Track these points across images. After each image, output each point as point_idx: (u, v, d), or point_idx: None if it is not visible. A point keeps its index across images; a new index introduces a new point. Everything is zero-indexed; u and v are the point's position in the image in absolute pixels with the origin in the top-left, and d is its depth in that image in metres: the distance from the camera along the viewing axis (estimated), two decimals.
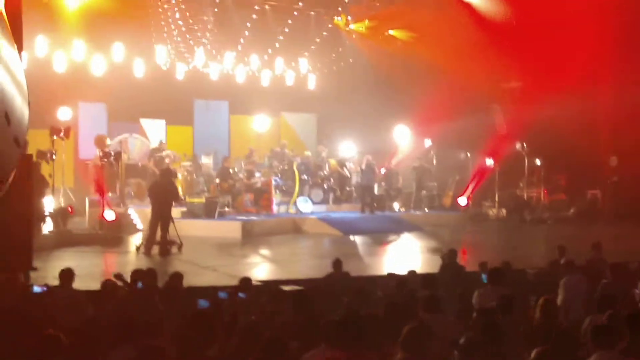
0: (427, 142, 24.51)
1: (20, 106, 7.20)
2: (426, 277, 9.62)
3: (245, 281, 9.77)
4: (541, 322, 7.31)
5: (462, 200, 23.96)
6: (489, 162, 24.05)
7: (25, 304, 8.08)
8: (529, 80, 23.09)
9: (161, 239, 15.65)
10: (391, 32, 25.79)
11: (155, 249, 15.58)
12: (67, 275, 9.59)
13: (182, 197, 19.22)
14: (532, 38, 21.51)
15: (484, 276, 10.14)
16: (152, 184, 17.01)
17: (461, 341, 6.07)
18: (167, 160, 20.61)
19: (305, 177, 22.30)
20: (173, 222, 15.97)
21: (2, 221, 10.20)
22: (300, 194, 21.85)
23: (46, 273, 12.03)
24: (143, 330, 6.35)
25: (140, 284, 9.76)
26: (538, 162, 24.11)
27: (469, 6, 23.51)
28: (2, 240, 11.02)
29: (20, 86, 7.27)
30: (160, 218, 15.75)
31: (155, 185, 16.52)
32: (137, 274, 9.84)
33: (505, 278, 9.83)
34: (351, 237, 19.09)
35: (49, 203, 16.79)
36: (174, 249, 15.66)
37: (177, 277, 9.76)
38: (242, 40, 23.63)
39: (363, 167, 22.32)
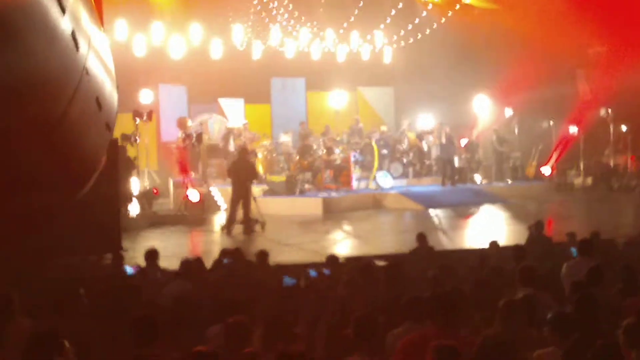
0: (508, 112, 24.00)
1: (110, 91, 7.31)
2: (516, 249, 9.40)
3: (332, 259, 9.78)
4: None
5: (546, 170, 23.44)
6: (573, 129, 23.41)
7: (118, 284, 8.26)
8: (615, 44, 22.29)
9: (244, 218, 15.80)
10: (467, 0, 25.24)
11: (239, 228, 15.74)
12: (151, 255, 9.82)
13: (262, 175, 19.38)
14: None
15: (573, 249, 9.85)
16: (231, 163, 17.19)
17: (549, 316, 5.85)
18: (242, 140, 20.75)
19: (384, 151, 22.15)
20: (255, 200, 16.11)
21: (91, 204, 10.46)
22: (380, 169, 21.73)
23: (135, 254, 12.30)
24: (234, 307, 6.40)
25: (226, 261, 9.90)
26: (624, 128, 23.35)
27: None
28: (91, 223, 11.34)
29: (109, 71, 7.38)
30: (241, 197, 15.90)
31: (234, 164, 16.68)
32: (224, 253, 9.97)
33: (595, 249, 9.56)
34: (433, 211, 18.90)
35: (134, 185, 17.13)
36: (257, 228, 15.80)
37: (263, 254, 9.82)
38: (317, 17, 23.54)
39: (443, 139, 22.02)
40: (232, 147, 20.72)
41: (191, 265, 8.86)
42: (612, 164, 23.62)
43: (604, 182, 23.22)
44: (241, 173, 16.09)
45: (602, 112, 23.23)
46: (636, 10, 20.68)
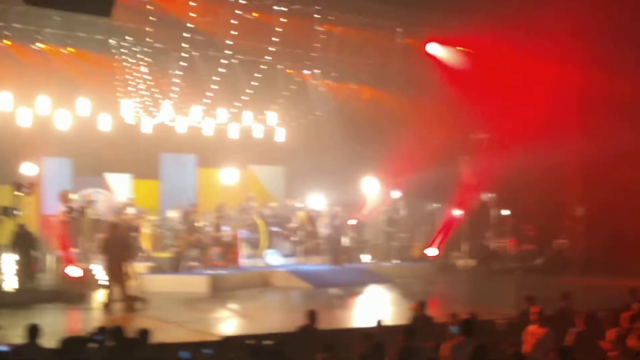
0: (395, 194, 24.54)
1: None
2: (405, 329, 9.54)
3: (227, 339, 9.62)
4: None
5: (431, 251, 23.96)
6: (458, 212, 24.12)
7: None
8: (497, 132, 23.33)
9: (122, 296, 15.36)
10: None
11: (119, 305, 15.29)
12: (32, 331, 9.36)
13: (144, 251, 18.99)
14: (500, 89, 21.82)
15: (453, 328, 10.05)
16: (103, 240, 16.43)
17: None
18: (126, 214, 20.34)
19: (273, 229, 22.15)
20: (136, 277, 15.72)
21: None
22: (269, 246, 21.67)
23: (10, 331, 11.72)
24: None
25: (102, 339, 9.53)
26: (506, 212, 24.23)
27: (435, 59, 23.81)
28: None
29: None
30: (115, 274, 15.47)
31: (105, 241, 16.12)
32: (102, 331, 9.61)
33: (476, 329, 9.77)
34: (321, 290, 18.88)
35: (12, 260, 16.48)
36: (138, 305, 15.37)
37: (144, 333, 9.52)
38: (209, 94, 23.57)
39: (332, 219, 22.24)
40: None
41: (71, 344, 8.51)
42: (494, 246, 24.37)
43: (485, 264, 23.90)
44: (113, 250, 15.67)
45: (486, 196, 24.10)
46: (515, 100, 21.80)
